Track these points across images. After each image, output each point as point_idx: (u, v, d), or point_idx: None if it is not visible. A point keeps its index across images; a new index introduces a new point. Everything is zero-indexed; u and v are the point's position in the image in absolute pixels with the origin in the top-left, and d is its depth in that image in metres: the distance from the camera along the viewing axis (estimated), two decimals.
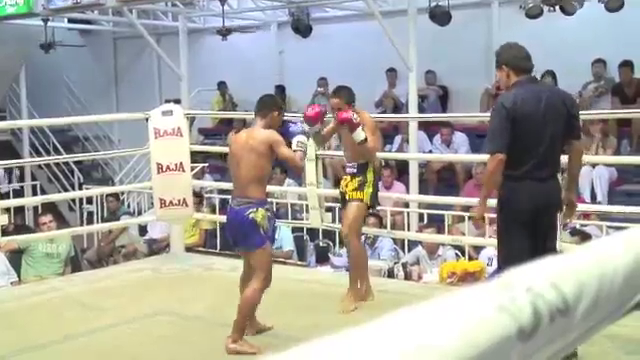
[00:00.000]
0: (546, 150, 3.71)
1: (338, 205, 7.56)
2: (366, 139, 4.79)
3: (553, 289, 0.71)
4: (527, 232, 3.70)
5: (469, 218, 6.43)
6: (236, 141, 4.36)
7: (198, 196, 8.17)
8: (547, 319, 0.69)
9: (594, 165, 8.03)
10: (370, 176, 4.98)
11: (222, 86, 12.25)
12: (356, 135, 4.77)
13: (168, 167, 6.10)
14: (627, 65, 8.91)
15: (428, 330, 0.64)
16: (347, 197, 5.02)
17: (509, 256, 3.70)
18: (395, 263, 6.78)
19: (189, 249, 7.31)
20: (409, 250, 7.02)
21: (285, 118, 4.66)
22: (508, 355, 0.66)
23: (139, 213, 9.80)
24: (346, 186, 5.07)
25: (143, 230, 8.83)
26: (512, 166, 3.64)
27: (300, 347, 0.64)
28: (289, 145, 4.30)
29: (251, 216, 4.12)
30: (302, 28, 10.77)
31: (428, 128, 9.70)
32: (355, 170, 5.01)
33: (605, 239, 0.86)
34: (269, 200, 4.76)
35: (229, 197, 8.18)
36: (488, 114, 9.79)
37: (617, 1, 8.11)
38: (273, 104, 4.41)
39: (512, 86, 3.77)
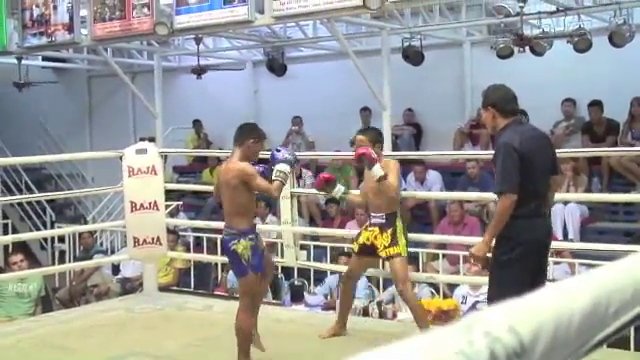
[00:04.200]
0: (544, 188, 3.87)
1: (313, 243, 7.60)
2: (385, 175, 4.71)
3: (510, 332, 0.72)
4: (530, 268, 3.76)
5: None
6: (220, 171, 4.55)
7: (174, 233, 8.11)
8: None
9: (566, 203, 8.12)
10: (399, 224, 4.87)
11: (197, 124, 12.26)
12: (374, 171, 4.68)
13: (142, 205, 6.07)
14: (596, 104, 9.08)
15: None
16: (381, 254, 4.87)
17: (510, 293, 3.70)
18: (370, 301, 6.76)
19: (163, 288, 7.23)
20: (384, 288, 7.01)
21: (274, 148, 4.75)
22: None
23: (112, 252, 9.70)
24: (374, 238, 4.87)
25: (116, 269, 8.72)
26: (520, 205, 3.73)
27: None
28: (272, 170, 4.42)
29: (233, 247, 4.29)
30: (277, 67, 10.89)
31: (402, 166, 9.75)
32: (384, 221, 4.85)
33: (563, 281, 0.88)
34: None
35: (204, 235, 8.27)
36: (461, 152, 9.86)
37: (585, 42, 8.31)
38: (249, 133, 4.42)
39: (506, 127, 3.86)
